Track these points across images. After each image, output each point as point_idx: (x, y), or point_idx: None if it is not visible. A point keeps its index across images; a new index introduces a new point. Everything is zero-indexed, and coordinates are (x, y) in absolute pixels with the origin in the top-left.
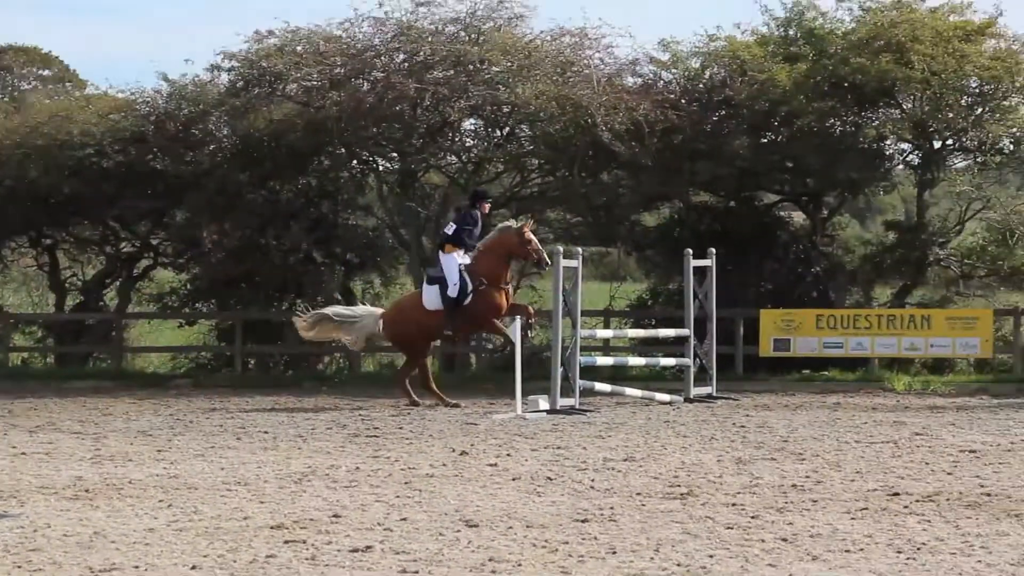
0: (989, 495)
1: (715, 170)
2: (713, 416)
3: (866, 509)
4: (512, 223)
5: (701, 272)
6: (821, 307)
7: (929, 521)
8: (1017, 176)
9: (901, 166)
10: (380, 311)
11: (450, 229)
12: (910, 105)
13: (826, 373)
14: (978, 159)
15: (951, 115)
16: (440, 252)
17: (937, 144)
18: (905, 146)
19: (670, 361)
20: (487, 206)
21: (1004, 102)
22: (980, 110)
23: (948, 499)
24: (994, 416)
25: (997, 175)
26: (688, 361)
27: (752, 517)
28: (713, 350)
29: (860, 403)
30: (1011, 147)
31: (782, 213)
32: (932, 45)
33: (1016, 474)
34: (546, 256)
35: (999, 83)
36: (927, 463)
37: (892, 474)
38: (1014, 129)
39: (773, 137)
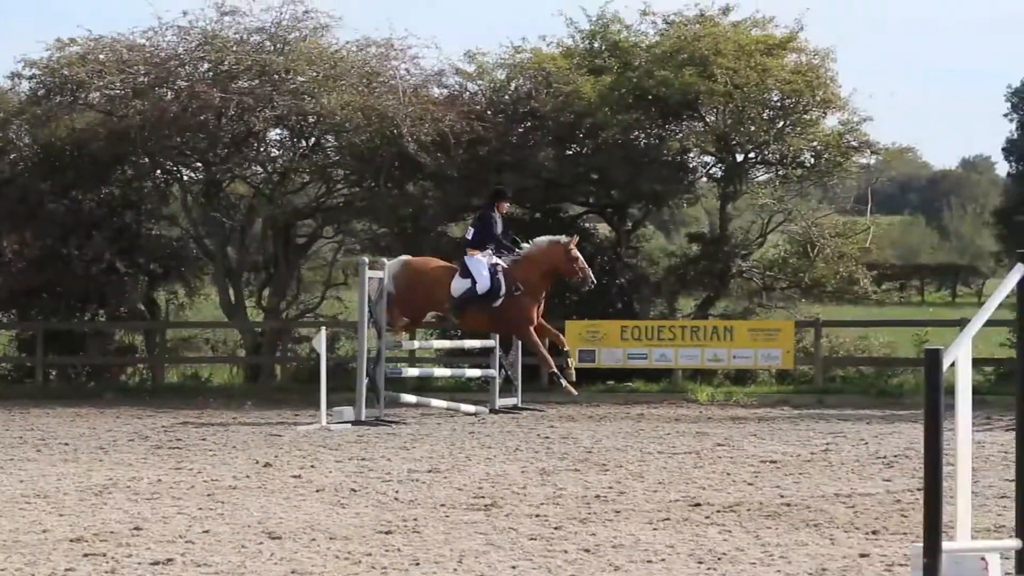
0: (789, 505)
1: (521, 181)
2: (518, 427)
3: (668, 519)
4: (561, 238)
5: None
6: (626, 318)
7: (730, 531)
8: (818, 189)
9: (704, 178)
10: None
11: (470, 234)
12: (713, 118)
13: (630, 384)
14: (780, 172)
15: (753, 128)
16: (466, 257)
17: (740, 157)
18: (708, 159)
19: (476, 372)
20: (505, 205)
21: (805, 116)
22: (781, 123)
23: (749, 509)
24: (794, 427)
25: (798, 188)
26: (493, 372)
27: (555, 528)
28: (519, 361)
29: (663, 414)
30: (812, 160)
31: (587, 225)
32: (735, 59)
33: (815, 484)
34: (591, 275)
35: (800, 97)
36: (728, 474)
37: (694, 484)
38: (814, 143)
39: (578, 149)
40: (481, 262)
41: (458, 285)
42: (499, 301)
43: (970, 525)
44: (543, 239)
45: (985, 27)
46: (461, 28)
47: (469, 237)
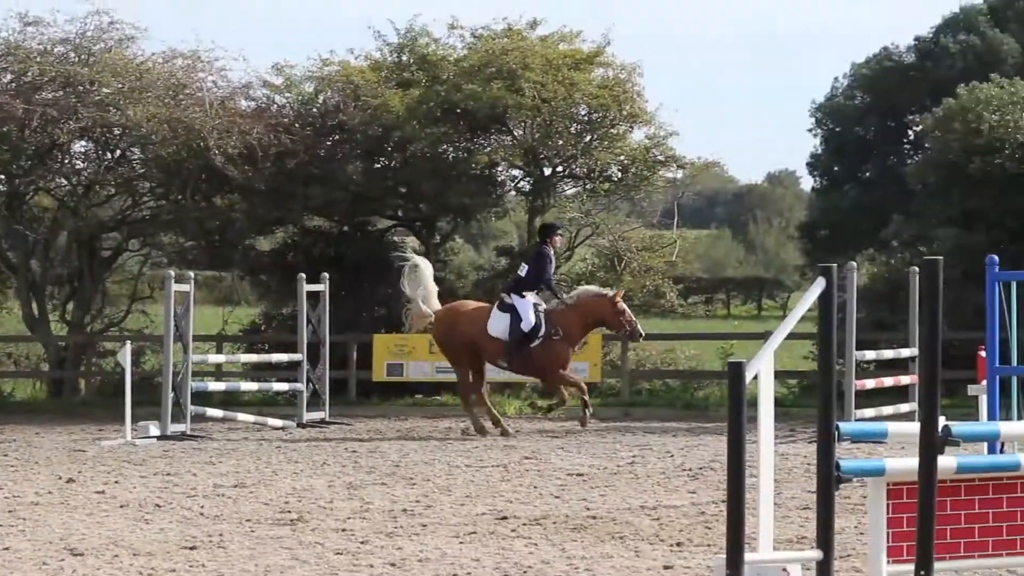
0: (595, 518)
1: (329, 195)
2: (326, 441)
3: (475, 533)
4: (607, 291)
5: (315, 297)
6: None
7: (536, 544)
8: (625, 203)
9: (513, 192)
10: (429, 307)
11: (524, 271)
12: (521, 132)
13: (439, 398)
14: (587, 186)
15: (561, 142)
16: (513, 294)
17: (548, 171)
18: (516, 172)
19: (283, 386)
20: (559, 239)
21: (612, 130)
22: (589, 137)
23: (555, 522)
24: (601, 439)
25: (606, 202)
26: (301, 386)
27: (362, 542)
28: (326, 375)
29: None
30: (619, 174)
31: (396, 238)
32: (542, 73)
33: (621, 497)
34: (640, 327)
35: (607, 111)
36: (535, 487)
37: (501, 498)
38: (621, 156)
39: (387, 162)
40: (529, 303)
41: (497, 324)
42: (537, 342)
43: (772, 537)
44: (589, 289)
45: (790, 44)
46: (269, 40)
47: (523, 275)
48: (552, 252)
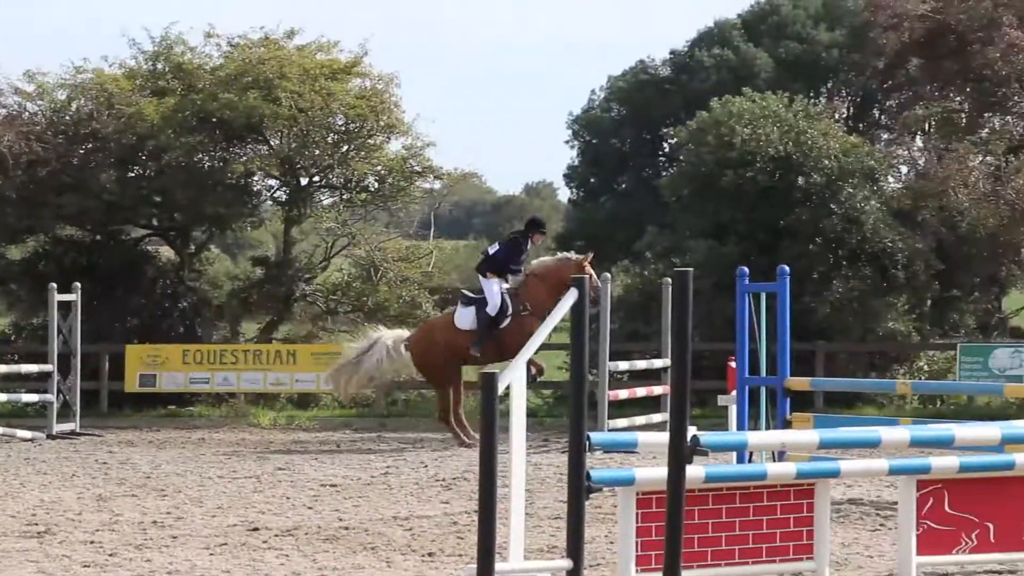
0: (347, 528)
1: (82, 203)
2: (76, 452)
3: (226, 544)
4: (571, 255)
5: (66, 306)
6: (188, 342)
7: (287, 555)
8: (383, 213)
9: (269, 202)
10: (396, 333)
11: (493, 249)
12: (278, 141)
13: (192, 409)
14: (344, 196)
15: (318, 152)
16: (481, 277)
17: (304, 181)
18: (273, 182)
19: (33, 397)
20: (540, 238)
21: (369, 140)
22: (346, 148)
23: (307, 533)
24: (356, 451)
25: (363, 212)
26: (51, 397)
27: (110, 555)
28: (77, 386)
29: (225, 438)
30: (376, 185)
31: (150, 248)
32: (300, 82)
33: (374, 507)
34: (601, 296)
35: (364, 121)
36: (288, 498)
37: (253, 509)
38: (379, 167)
39: (141, 171)
40: (496, 284)
41: (463, 316)
42: (505, 322)
43: (523, 546)
44: (548, 258)
45: (548, 54)
46: (20, 47)
47: (492, 253)
48: (528, 247)
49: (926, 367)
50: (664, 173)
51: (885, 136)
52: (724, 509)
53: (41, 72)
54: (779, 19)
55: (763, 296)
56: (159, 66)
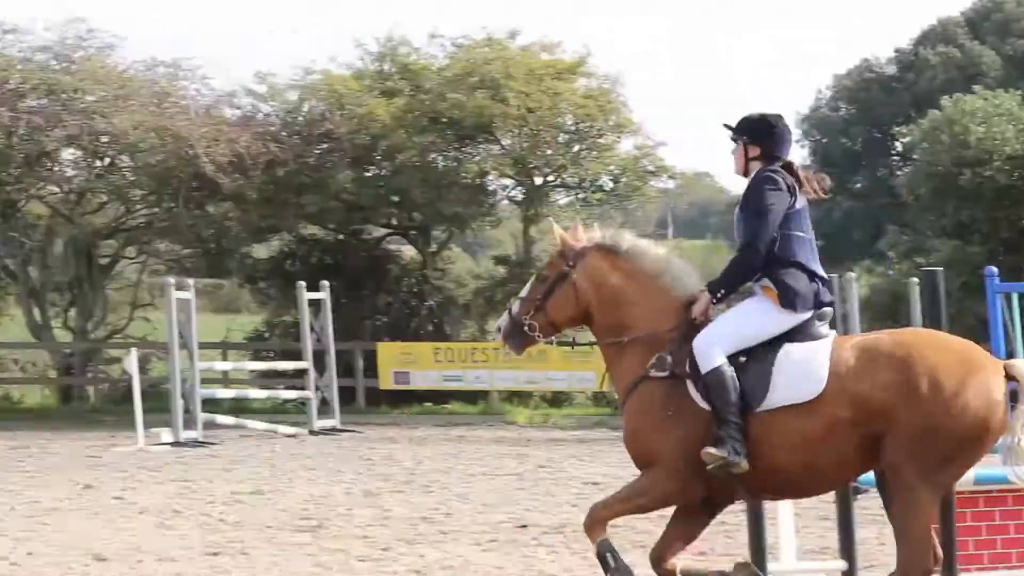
0: (613, 525)
1: (321, 203)
2: (338, 448)
3: (496, 540)
4: None
5: (316, 305)
6: (438, 340)
7: (557, 552)
8: (620, 212)
9: (506, 201)
10: None
11: None
12: (509, 141)
13: (448, 406)
14: (580, 196)
15: (550, 152)
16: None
17: (539, 180)
18: (508, 182)
19: (291, 394)
20: None
21: (600, 140)
22: (578, 147)
23: (575, 531)
24: (614, 448)
25: (600, 211)
26: (309, 394)
27: (384, 549)
28: (334, 383)
29: (483, 436)
30: (611, 184)
31: (392, 247)
32: (526, 82)
33: None
34: None
35: (593, 121)
36: (552, 495)
37: (519, 506)
38: (612, 166)
39: (377, 171)
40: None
41: None
42: None
43: (795, 546)
44: None
45: (770, 58)
46: (247, 50)
47: None
48: None
49: None
50: (899, 173)
51: None
52: (997, 512)
53: (272, 74)
54: (1003, 16)
55: (1015, 296)
56: (385, 67)
